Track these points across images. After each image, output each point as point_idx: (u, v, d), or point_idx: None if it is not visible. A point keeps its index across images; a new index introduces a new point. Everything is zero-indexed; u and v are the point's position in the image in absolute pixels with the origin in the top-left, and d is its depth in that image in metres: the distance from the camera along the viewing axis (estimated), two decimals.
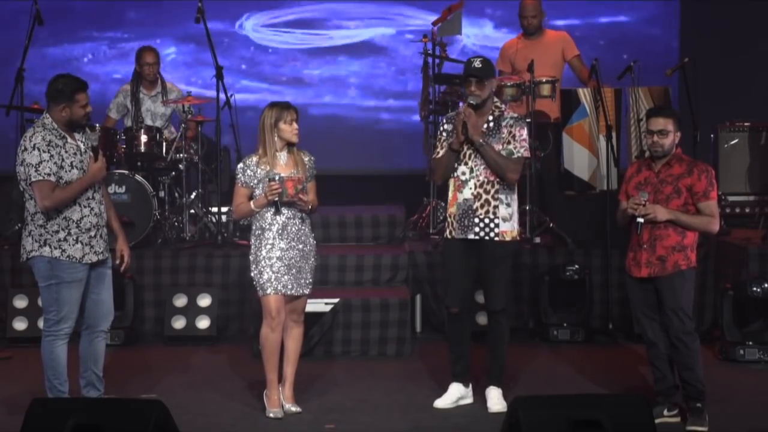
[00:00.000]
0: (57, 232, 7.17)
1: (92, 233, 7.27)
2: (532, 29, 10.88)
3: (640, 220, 7.32)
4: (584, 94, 10.66)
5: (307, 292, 7.67)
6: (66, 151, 7.18)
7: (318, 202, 7.74)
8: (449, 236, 7.77)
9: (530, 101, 10.28)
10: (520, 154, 7.67)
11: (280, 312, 7.59)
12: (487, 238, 7.65)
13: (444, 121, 7.94)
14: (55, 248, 7.16)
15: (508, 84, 10.28)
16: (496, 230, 7.65)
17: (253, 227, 7.65)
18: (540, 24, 10.90)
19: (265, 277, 7.54)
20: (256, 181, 7.58)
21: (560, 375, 8.76)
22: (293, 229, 7.58)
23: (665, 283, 7.32)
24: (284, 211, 7.55)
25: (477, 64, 7.67)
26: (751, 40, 12.71)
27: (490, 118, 7.72)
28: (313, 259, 7.70)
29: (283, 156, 7.61)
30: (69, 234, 7.19)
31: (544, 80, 10.35)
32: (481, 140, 7.60)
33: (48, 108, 7.28)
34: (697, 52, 11.55)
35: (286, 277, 7.55)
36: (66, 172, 7.15)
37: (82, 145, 7.30)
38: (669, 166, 7.38)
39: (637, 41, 12.89)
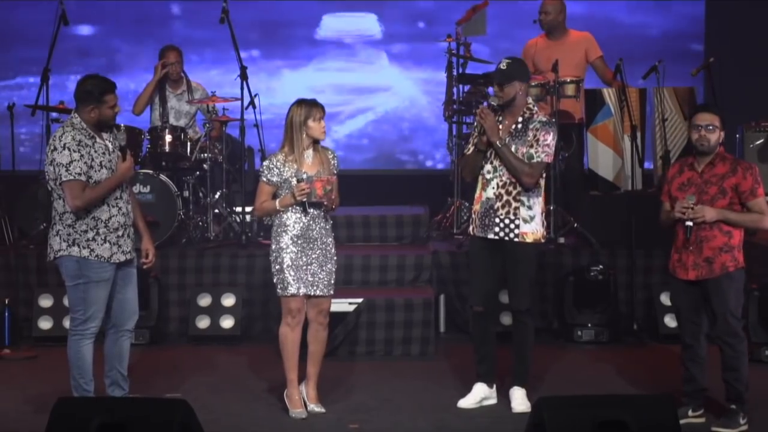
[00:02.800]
0: (86, 231, 7.20)
1: (120, 233, 7.29)
2: (548, 27, 10.85)
3: (690, 223, 7.27)
4: (609, 94, 10.64)
5: (329, 292, 7.66)
6: (95, 151, 7.20)
7: (339, 201, 7.73)
8: (472, 233, 7.77)
9: (554, 101, 10.26)
10: (540, 159, 7.59)
11: (301, 311, 7.58)
12: (507, 239, 7.63)
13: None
14: (84, 248, 7.18)
15: (533, 84, 10.26)
16: (516, 231, 7.61)
17: (275, 226, 7.63)
18: (558, 23, 10.86)
19: (286, 276, 7.54)
20: (281, 180, 7.57)
21: (584, 375, 8.74)
22: (316, 229, 7.57)
23: (713, 285, 7.26)
24: (311, 211, 7.55)
25: (502, 66, 7.64)
26: None
27: (520, 119, 7.67)
28: (335, 260, 7.70)
29: (309, 154, 7.60)
30: (97, 234, 7.21)
31: (568, 80, 10.34)
32: (498, 142, 7.58)
33: (76, 108, 7.30)
34: (722, 52, 11.52)
35: (307, 276, 7.55)
36: (95, 171, 7.17)
37: (110, 145, 7.32)
38: (712, 165, 7.31)
39: (661, 41, 12.85)
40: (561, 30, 10.90)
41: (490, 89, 9.95)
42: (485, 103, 10.45)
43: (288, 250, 7.53)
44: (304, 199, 7.47)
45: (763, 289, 9.20)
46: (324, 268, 7.59)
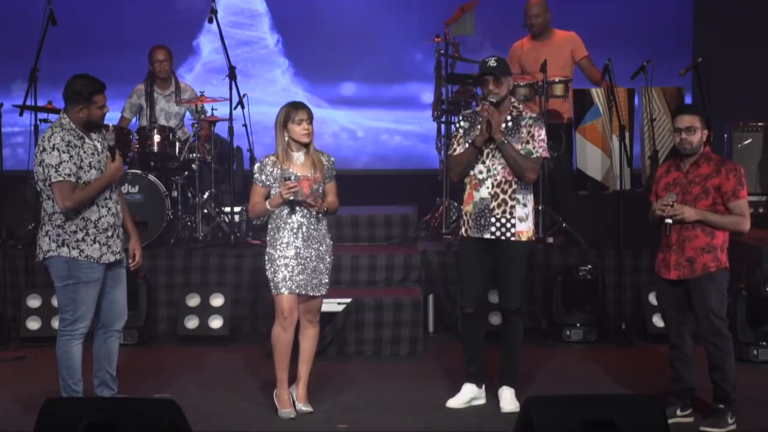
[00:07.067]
0: (75, 232, 7.19)
1: (109, 233, 7.28)
2: (537, 29, 10.86)
3: (669, 221, 7.31)
4: (597, 94, 10.66)
5: (322, 292, 7.67)
6: (84, 152, 7.19)
7: (338, 204, 7.74)
8: (465, 235, 7.76)
9: (543, 101, 10.27)
10: (538, 154, 7.66)
11: (293, 311, 7.59)
12: (503, 238, 7.63)
13: (460, 118, 7.93)
14: (73, 248, 7.17)
15: (521, 84, 10.28)
16: (513, 230, 7.63)
17: (269, 226, 7.64)
18: (545, 24, 10.87)
19: (279, 276, 7.54)
20: (272, 181, 7.58)
21: (573, 375, 8.75)
22: (309, 228, 7.58)
23: (694, 285, 7.29)
24: (299, 210, 7.55)
25: (492, 62, 7.67)
26: (765, 39, 12.68)
27: (509, 117, 7.69)
28: (329, 260, 7.70)
29: (299, 156, 7.61)
30: (87, 234, 7.20)
31: (557, 80, 10.35)
32: (503, 139, 7.59)
33: (65, 108, 7.29)
34: (711, 52, 11.54)
35: (300, 276, 7.55)
36: (85, 172, 7.17)
37: (99, 145, 7.32)
38: (697, 165, 7.34)
39: (649, 40, 12.86)
40: (547, 30, 10.92)
41: (479, 89, 9.96)
42: (473, 104, 10.49)
43: (281, 249, 7.53)
44: (291, 198, 7.47)
45: (750, 288, 9.22)
46: (317, 268, 7.60)
